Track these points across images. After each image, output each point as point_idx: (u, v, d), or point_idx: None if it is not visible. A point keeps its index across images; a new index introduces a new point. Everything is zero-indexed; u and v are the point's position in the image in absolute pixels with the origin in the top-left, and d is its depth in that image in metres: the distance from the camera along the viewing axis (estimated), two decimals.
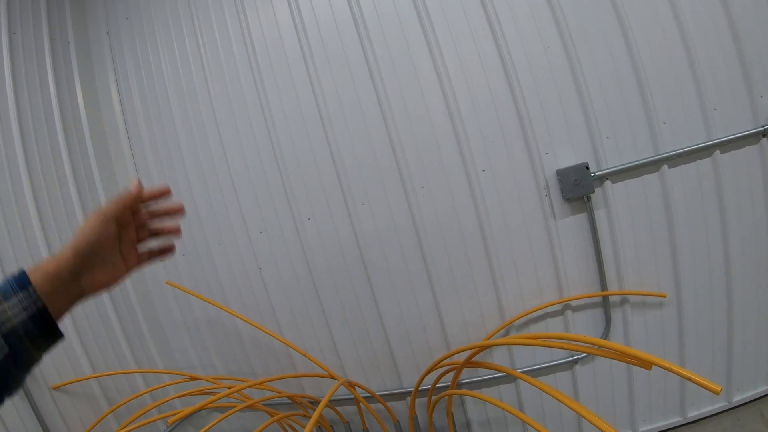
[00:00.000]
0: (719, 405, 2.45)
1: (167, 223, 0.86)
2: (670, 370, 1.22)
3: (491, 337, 2.47)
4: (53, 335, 0.70)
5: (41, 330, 0.67)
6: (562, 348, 1.72)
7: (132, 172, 2.90)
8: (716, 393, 1.15)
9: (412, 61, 2.42)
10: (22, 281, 0.67)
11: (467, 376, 2.58)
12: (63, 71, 2.82)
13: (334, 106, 2.54)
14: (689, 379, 1.19)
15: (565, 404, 1.42)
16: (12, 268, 2.29)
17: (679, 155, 2.21)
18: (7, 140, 2.41)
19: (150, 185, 0.80)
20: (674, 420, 2.49)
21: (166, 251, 0.88)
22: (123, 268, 0.79)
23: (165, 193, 0.82)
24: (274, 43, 2.61)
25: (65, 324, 2.42)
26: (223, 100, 2.70)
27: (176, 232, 0.87)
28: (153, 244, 0.86)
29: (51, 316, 0.68)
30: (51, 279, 0.69)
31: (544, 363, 2.49)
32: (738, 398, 2.43)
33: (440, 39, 2.38)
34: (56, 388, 2.35)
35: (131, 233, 0.81)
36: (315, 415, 1.66)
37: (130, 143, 2.90)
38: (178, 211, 0.85)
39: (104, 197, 2.85)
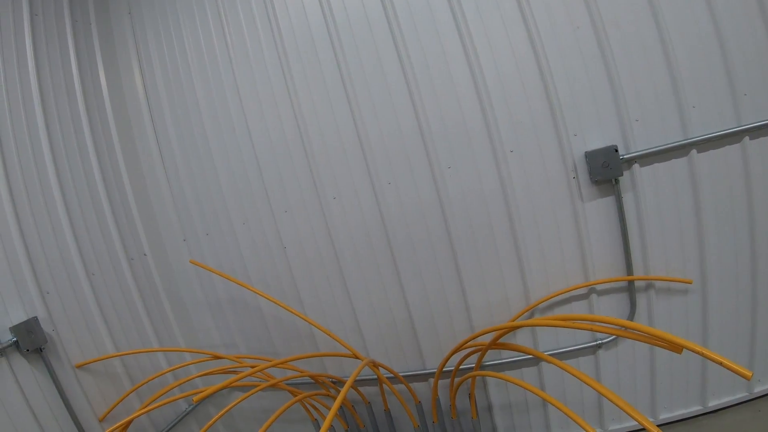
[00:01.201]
0: (740, 395, 2.43)
1: None
2: (702, 354, 1.21)
3: (516, 319, 2.47)
4: None
5: None
6: (591, 330, 1.72)
7: (155, 152, 2.90)
8: (747, 378, 1.15)
9: (439, 41, 2.40)
10: None
11: (490, 358, 2.57)
12: (85, 52, 2.83)
13: (361, 86, 2.52)
14: (720, 363, 1.18)
15: (591, 386, 1.42)
16: (35, 245, 2.31)
17: (709, 140, 2.17)
18: (30, 121, 2.42)
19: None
20: (695, 409, 2.48)
21: None
22: None
23: None
24: (298, 19, 2.59)
25: (87, 300, 2.44)
26: (247, 79, 2.70)
27: None
28: None
29: None
30: None
31: (568, 347, 2.48)
32: (759, 389, 2.41)
33: (469, 19, 2.35)
34: (79, 367, 2.36)
35: None
36: (340, 396, 1.66)
37: (153, 123, 2.91)
38: None
39: (127, 178, 2.86)
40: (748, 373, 1.14)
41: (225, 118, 2.77)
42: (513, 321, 2.47)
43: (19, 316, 2.15)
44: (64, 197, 2.49)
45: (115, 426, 1.90)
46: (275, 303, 2.54)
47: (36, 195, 2.38)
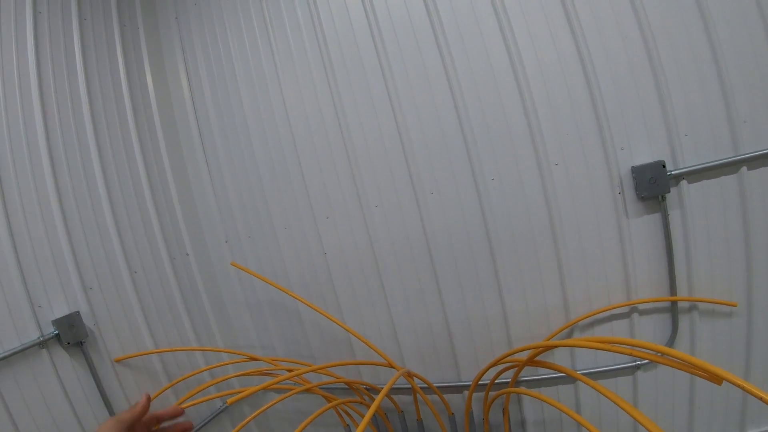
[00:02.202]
0: None
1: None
2: (743, 388, 1.14)
3: (555, 336, 2.43)
4: None
5: None
6: (631, 354, 1.67)
7: (200, 155, 2.96)
8: None
9: (486, 49, 2.38)
10: None
11: (526, 373, 2.53)
12: (133, 57, 2.90)
13: (406, 93, 2.52)
14: (761, 399, 1.12)
15: (627, 411, 1.36)
16: (80, 242, 2.37)
17: (760, 157, 2.09)
18: (78, 122, 2.50)
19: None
20: None
21: None
22: None
23: (177, 414, 0.98)
24: (342, 26, 2.60)
25: (129, 297, 2.50)
26: (291, 83, 2.73)
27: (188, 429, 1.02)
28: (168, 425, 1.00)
29: None
30: None
31: (606, 366, 2.43)
32: None
33: (515, 28, 2.32)
34: (118, 361, 2.42)
35: None
36: (374, 405, 1.65)
37: (200, 129, 2.97)
38: (188, 429, 1.01)
39: (172, 179, 2.94)
40: None
41: (269, 123, 2.81)
42: (551, 338, 2.44)
43: (61, 310, 2.22)
44: (110, 197, 2.56)
45: None
46: (314, 309, 2.56)
47: (83, 194, 2.45)
